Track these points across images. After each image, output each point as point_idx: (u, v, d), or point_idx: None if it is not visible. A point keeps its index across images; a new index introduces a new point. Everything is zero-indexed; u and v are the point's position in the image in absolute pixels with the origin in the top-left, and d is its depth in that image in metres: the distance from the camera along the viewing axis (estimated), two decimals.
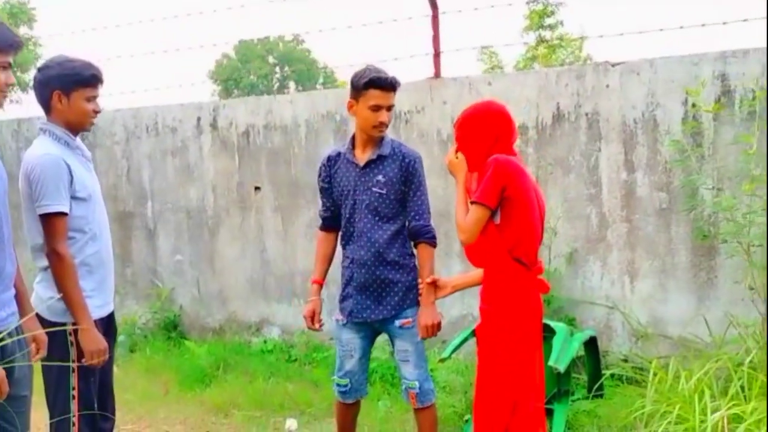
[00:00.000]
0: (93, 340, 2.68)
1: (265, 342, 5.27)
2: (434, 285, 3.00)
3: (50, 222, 2.64)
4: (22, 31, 27.00)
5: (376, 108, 2.86)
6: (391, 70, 2.91)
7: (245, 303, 5.42)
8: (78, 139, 2.89)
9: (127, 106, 5.73)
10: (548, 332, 3.52)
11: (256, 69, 39.81)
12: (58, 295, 2.67)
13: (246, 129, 5.29)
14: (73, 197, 2.68)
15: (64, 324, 2.70)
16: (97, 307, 2.80)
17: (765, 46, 3.68)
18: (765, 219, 3.57)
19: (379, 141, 2.98)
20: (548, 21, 14.16)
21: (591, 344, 3.87)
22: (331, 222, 3.16)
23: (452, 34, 5.60)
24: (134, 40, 9.51)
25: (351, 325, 3.11)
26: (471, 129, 2.70)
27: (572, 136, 4.35)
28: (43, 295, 2.75)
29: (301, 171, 5.12)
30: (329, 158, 3.10)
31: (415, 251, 3.06)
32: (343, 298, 3.13)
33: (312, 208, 5.11)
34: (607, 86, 4.22)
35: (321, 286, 3.17)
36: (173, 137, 5.53)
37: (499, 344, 2.67)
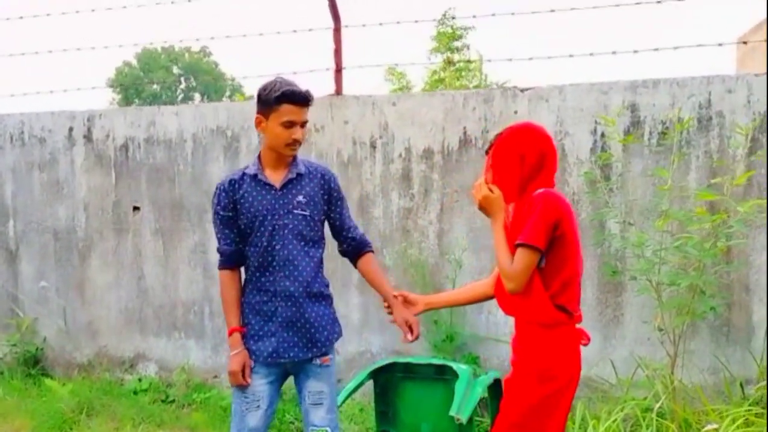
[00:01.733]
0: None
1: (139, 380, 4.71)
2: (403, 300, 2.73)
3: None
4: None
5: (290, 124, 2.52)
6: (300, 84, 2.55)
7: (118, 336, 4.84)
8: None
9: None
10: (450, 375, 3.22)
11: (160, 79, 38.46)
12: None
13: (125, 142, 4.75)
14: None
15: None
16: None
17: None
18: (674, 258, 3.43)
19: (292, 160, 2.65)
20: (456, 44, 14.20)
21: (496, 386, 3.60)
22: (236, 257, 2.68)
23: (360, 50, 5.31)
24: (26, 38, 8.70)
25: (261, 368, 2.65)
26: (511, 154, 2.31)
27: (479, 163, 4.10)
28: None
29: (186, 190, 4.64)
30: (231, 182, 2.64)
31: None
32: (260, 338, 2.65)
33: (197, 232, 4.64)
34: (516, 112, 4.02)
35: (242, 335, 2.66)
36: (41, 149, 4.92)
37: (533, 404, 2.31)
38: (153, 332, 4.78)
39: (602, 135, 3.88)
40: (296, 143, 2.58)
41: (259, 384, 2.65)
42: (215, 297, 4.61)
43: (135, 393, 4.59)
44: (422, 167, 4.20)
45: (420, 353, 4.09)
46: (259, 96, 2.59)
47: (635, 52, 3.92)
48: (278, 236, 2.61)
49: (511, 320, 4.07)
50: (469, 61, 13.61)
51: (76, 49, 4.89)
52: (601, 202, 3.79)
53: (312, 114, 4.31)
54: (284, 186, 2.62)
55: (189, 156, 4.62)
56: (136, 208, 4.76)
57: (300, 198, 2.63)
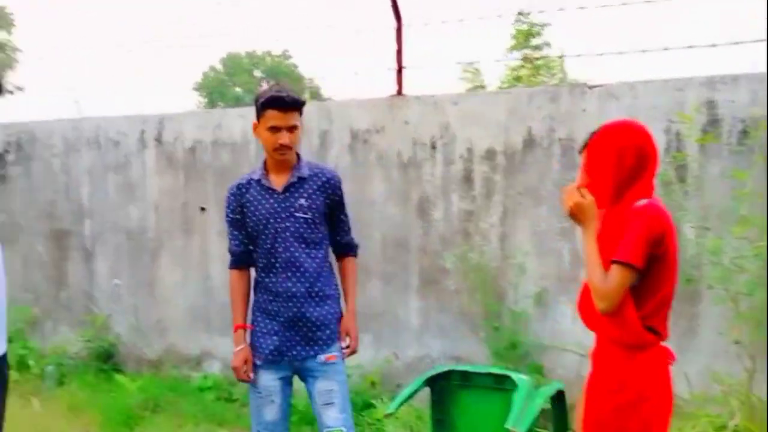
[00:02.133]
0: None
1: (205, 377, 4.79)
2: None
3: None
4: (1, 36, 26.63)
5: (275, 129, 2.59)
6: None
7: (185, 334, 4.95)
8: None
9: (68, 116, 5.29)
10: (509, 385, 3.10)
11: (243, 82, 39.60)
12: None
13: (193, 144, 4.85)
14: None
15: None
16: None
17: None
18: (756, 266, 3.18)
19: (295, 163, 2.72)
20: (534, 42, 13.91)
21: (559, 398, 3.44)
22: (245, 258, 2.78)
23: (433, 50, 5.23)
24: (118, 45, 9.07)
25: (269, 366, 2.73)
26: (606, 154, 2.11)
27: (544, 164, 3.95)
28: None
29: None
30: (239, 186, 2.75)
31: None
32: (261, 335, 2.74)
33: None
34: (584, 110, 3.83)
35: (245, 331, 2.77)
36: (116, 151, 5.08)
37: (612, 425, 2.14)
38: (218, 331, 4.85)
39: (677, 134, 3.65)
40: (283, 148, 2.61)
41: (270, 380, 2.73)
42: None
43: (200, 390, 4.67)
44: (484, 168, 4.08)
45: (481, 361, 3.97)
46: (254, 102, 2.67)
47: (713, 46, 3.67)
48: (280, 239, 2.68)
49: (579, 327, 3.89)
50: (543, 59, 13.27)
51: (167, 46, 5.04)
52: (676, 205, 3.55)
53: (371, 115, 4.29)
54: (286, 189, 2.69)
55: (252, 158, 4.66)
56: (202, 209, 4.84)
57: (302, 201, 2.70)
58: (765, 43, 3.45)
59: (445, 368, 3.21)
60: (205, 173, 4.82)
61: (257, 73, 43.71)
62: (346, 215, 2.85)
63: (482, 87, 13.59)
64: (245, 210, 2.73)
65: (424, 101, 4.20)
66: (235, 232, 2.77)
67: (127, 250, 5.09)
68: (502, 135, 4.03)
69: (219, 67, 42.78)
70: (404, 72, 4.33)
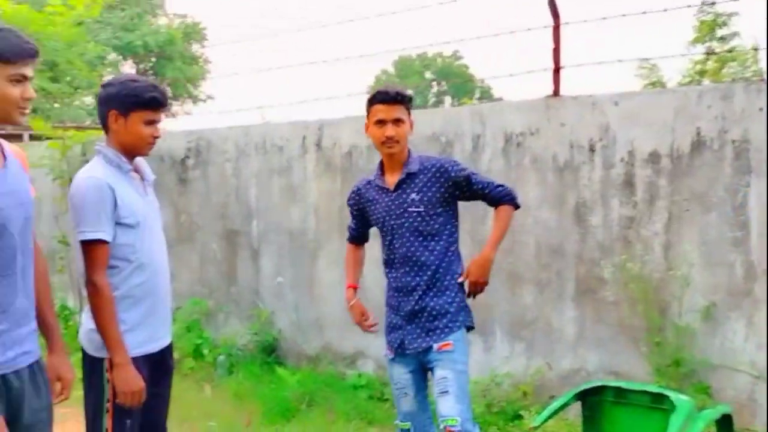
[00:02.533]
0: (125, 379, 2.46)
1: (359, 376, 4.93)
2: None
3: (88, 250, 2.46)
4: (194, 48, 29.13)
5: (380, 123, 2.76)
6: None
7: (341, 333, 5.12)
8: (140, 161, 2.71)
9: (239, 124, 5.67)
10: (668, 405, 2.89)
11: (414, 84, 40.37)
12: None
13: (349, 149, 5.01)
14: (119, 223, 2.49)
15: (103, 359, 2.52)
16: (142, 342, 2.58)
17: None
18: None
19: (405, 160, 2.84)
20: (720, 32, 12.91)
21: (724, 423, 3.15)
22: (360, 237, 3.13)
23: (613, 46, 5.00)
24: (295, 52, 9.65)
25: (400, 360, 2.88)
26: None
27: (715, 168, 3.64)
28: (86, 327, 2.58)
29: None
30: (358, 190, 3.01)
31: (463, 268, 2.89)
32: (390, 330, 2.90)
33: None
34: (761, 109, 3.48)
35: (355, 290, 3.04)
36: (280, 156, 5.37)
37: None
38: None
39: None
40: (389, 140, 2.74)
41: (403, 373, 2.87)
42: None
43: (354, 388, 4.81)
44: (647, 172, 3.83)
45: (640, 377, 3.74)
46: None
47: None
48: (397, 235, 2.81)
49: (752, 346, 3.57)
50: (730, 51, 12.29)
51: (335, 60, 5.28)
52: None
53: (526, 116, 4.19)
54: (397, 187, 2.82)
55: None
56: None
57: (413, 196, 2.79)
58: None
59: (599, 383, 3.06)
60: (361, 177, 4.94)
61: (428, 75, 44.39)
62: (482, 181, 2.86)
63: (661, 84, 12.82)
64: (366, 210, 2.96)
65: (582, 102, 4.03)
66: (354, 220, 3.07)
67: (289, 249, 5.36)
68: (667, 136, 3.76)
69: (391, 70, 43.96)
70: (561, 72, 4.17)
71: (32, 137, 8.71)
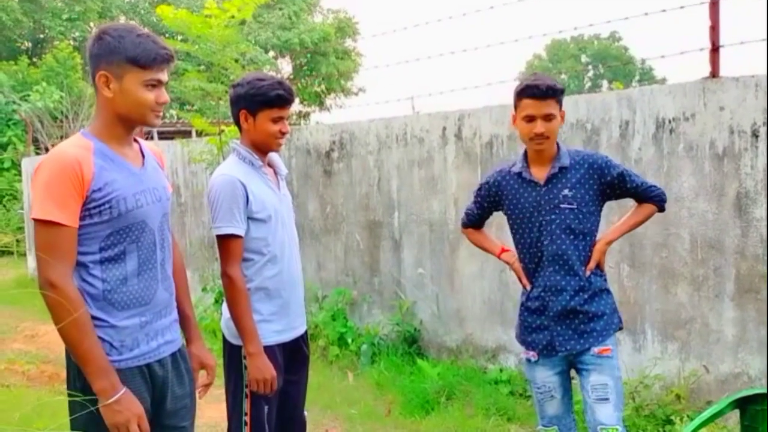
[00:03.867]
0: (258, 368, 2.57)
1: (501, 371, 4.84)
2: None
3: (223, 244, 2.59)
4: (347, 43, 29.97)
5: (530, 118, 2.60)
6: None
7: (482, 326, 5.04)
8: (273, 157, 2.81)
9: (380, 116, 5.73)
10: None
11: (568, 68, 39.04)
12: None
13: (489, 139, 4.90)
14: (251, 218, 2.60)
15: (240, 347, 2.64)
16: (277, 332, 2.70)
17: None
18: None
19: (555, 153, 2.69)
20: None
21: None
22: (478, 226, 3.06)
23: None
24: (445, 40, 9.63)
25: (545, 361, 2.76)
26: None
27: None
28: (225, 316, 2.73)
29: None
30: (496, 181, 2.83)
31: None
32: (533, 330, 2.78)
33: None
34: None
35: (509, 252, 2.92)
36: (420, 148, 5.37)
37: None
38: (513, 325, 4.83)
39: None
40: (539, 137, 2.59)
41: (549, 376, 2.75)
42: None
43: (495, 383, 4.72)
44: None
45: None
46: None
47: None
48: (546, 232, 2.67)
49: None
50: None
51: (486, 46, 5.20)
52: None
53: (680, 101, 3.88)
54: (548, 181, 2.67)
55: None
56: None
57: (566, 192, 2.65)
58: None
59: (756, 391, 2.78)
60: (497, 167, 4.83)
61: (584, 58, 42.73)
62: (636, 180, 2.73)
63: None
64: (503, 203, 2.80)
65: (744, 83, 3.65)
66: (479, 209, 2.95)
67: (430, 240, 5.36)
68: None
69: (543, 54, 42.76)
70: (720, 51, 3.81)
71: (193, 134, 9.31)
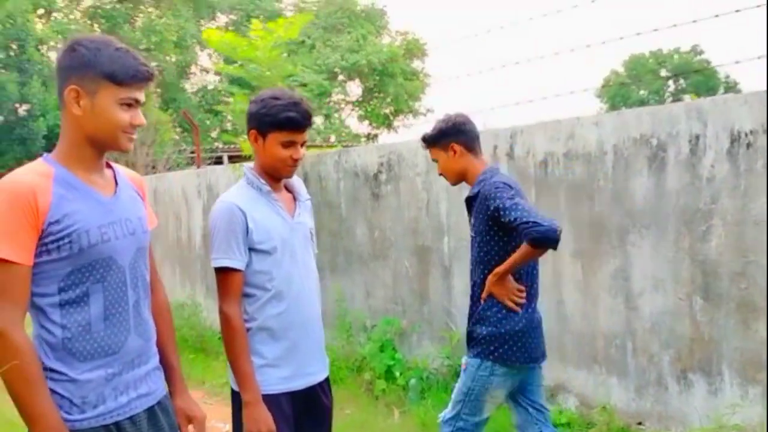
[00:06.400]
0: (254, 419, 2.27)
1: (560, 412, 4.39)
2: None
3: (219, 277, 2.33)
4: (415, 64, 29.90)
5: None
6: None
7: None
8: (294, 181, 2.54)
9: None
10: None
11: (647, 84, 37.81)
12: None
13: (544, 158, 4.50)
14: (253, 249, 2.32)
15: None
16: (284, 378, 2.39)
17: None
18: None
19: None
20: None
21: None
22: None
23: None
24: (517, 63, 9.34)
25: None
26: None
27: None
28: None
29: (606, 208, 4.14)
30: None
31: None
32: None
33: (618, 256, 4.09)
34: None
35: None
36: None
37: None
38: (573, 363, 4.40)
39: None
40: None
41: None
42: (638, 331, 4.01)
43: (555, 425, 4.28)
44: None
45: None
46: None
47: None
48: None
49: None
50: None
51: (555, 54, 4.87)
52: None
53: (758, 111, 3.39)
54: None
55: (609, 170, 4.11)
56: None
57: (472, 221, 3.11)
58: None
59: None
60: (557, 188, 4.42)
61: (663, 73, 41.36)
62: (511, 217, 2.80)
63: None
64: None
65: None
66: None
67: None
68: None
69: (620, 70, 41.57)
70: None
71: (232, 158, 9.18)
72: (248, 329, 2.33)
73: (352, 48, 27.03)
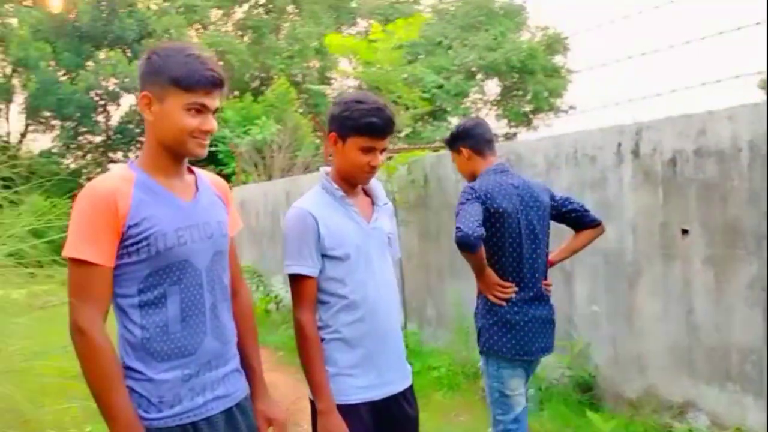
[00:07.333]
0: (326, 428, 2.24)
1: (689, 430, 4.03)
2: None
3: (293, 284, 2.31)
4: (557, 60, 28.97)
5: None
6: None
7: (667, 376, 4.25)
8: (373, 185, 2.50)
9: (549, 134, 5.17)
10: None
11: None
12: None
13: (672, 156, 4.15)
14: (326, 255, 2.29)
15: None
16: (361, 388, 2.33)
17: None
18: None
19: None
20: None
21: None
22: None
23: None
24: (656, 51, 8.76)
25: None
26: None
27: None
28: None
29: (742, 211, 3.74)
30: None
31: None
32: None
33: (755, 262, 3.69)
34: None
35: None
36: (592, 167, 4.73)
37: None
38: (704, 378, 4.02)
39: None
40: None
41: None
42: None
43: None
44: None
45: None
46: None
47: None
48: None
49: None
50: None
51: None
52: None
53: None
54: None
55: (745, 169, 3.71)
56: (684, 231, 4.09)
57: None
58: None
59: None
60: (687, 188, 4.06)
61: None
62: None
63: None
64: None
65: None
66: None
67: (605, 274, 4.68)
68: None
69: None
70: None
71: None
72: (322, 338, 2.31)
73: (490, 46, 26.64)
